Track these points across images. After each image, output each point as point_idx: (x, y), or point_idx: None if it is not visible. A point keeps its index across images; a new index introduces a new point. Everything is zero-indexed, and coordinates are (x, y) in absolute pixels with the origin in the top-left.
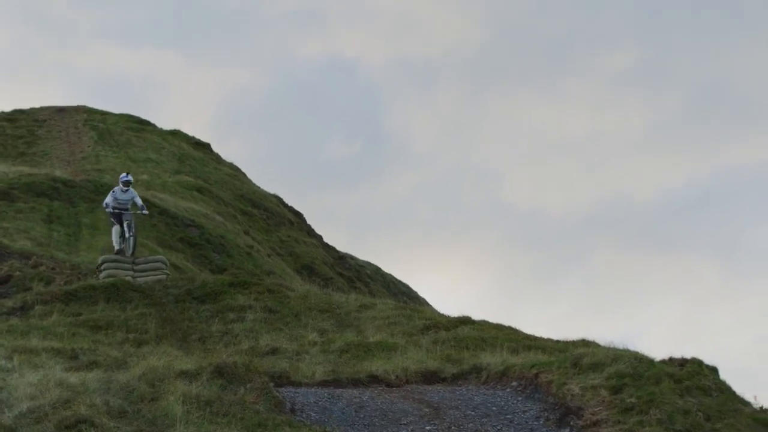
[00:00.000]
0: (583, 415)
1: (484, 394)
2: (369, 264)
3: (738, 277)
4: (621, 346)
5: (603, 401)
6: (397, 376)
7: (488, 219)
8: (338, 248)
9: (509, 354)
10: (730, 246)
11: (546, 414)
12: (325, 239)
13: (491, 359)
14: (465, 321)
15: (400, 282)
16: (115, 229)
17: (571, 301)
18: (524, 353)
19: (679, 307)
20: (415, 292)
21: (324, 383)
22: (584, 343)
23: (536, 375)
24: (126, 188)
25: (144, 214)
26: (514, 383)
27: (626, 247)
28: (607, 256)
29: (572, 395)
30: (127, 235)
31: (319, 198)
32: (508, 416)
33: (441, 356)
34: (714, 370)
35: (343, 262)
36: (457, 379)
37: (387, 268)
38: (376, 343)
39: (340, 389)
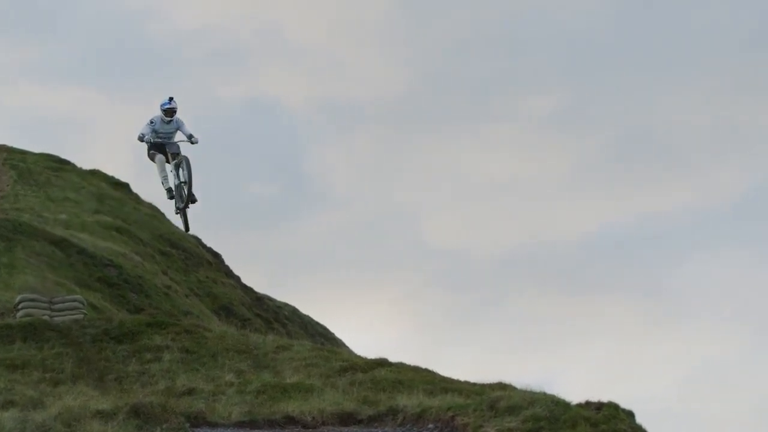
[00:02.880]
0: None
1: None
2: (287, 305)
3: (657, 321)
4: (538, 390)
5: None
6: (313, 418)
7: (408, 261)
8: (256, 289)
9: (426, 396)
10: (649, 289)
11: None
12: (243, 280)
13: (408, 401)
14: (382, 363)
15: (317, 323)
16: (160, 160)
17: (489, 343)
18: (441, 395)
19: (598, 350)
20: (333, 334)
21: (240, 424)
22: (501, 385)
23: (453, 417)
24: (169, 118)
25: (194, 143)
26: (431, 425)
27: (546, 289)
28: (526, 298)
29: None
30: (178, 179)
31: (237, 239)
32: None
33: (357, 398)
34: (630, 414)
35: (260, 303)
36: (373, 420)
37: (305, 309)
38: (293, 385)
39: (257, 430)
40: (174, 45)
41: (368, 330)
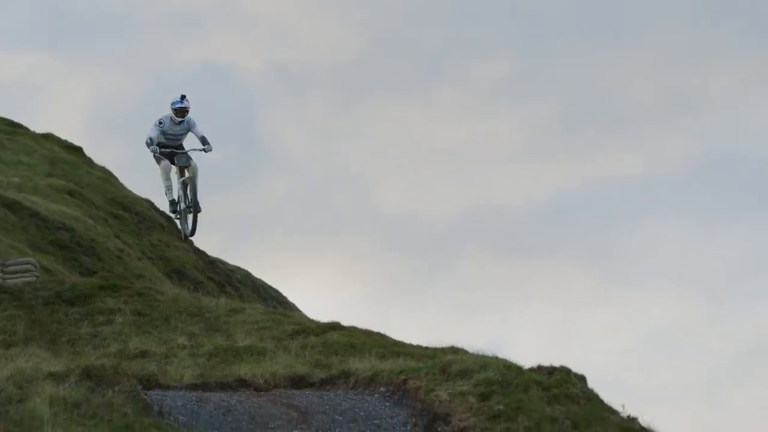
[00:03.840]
0: (450, 422)
1: (352, 400)
2: (239, 269)
3: (608, 286)
4: (490, 354)
5: (471, 408)
6: (265, 381)
7: (360, 225)
8: (209, 253)
9: (378, 360)
10: (600, 255)
11: (413, 420)
12: (196, 243)
13: (360, 365)
14: (334, 326)
15: (270, 287)
16: (165, 166)
17: (441, 307)
18: (393, 359)
19: (549, 314)
20: (285, 297)
21: (192, 387)
22: (453, 349)
23: (404, 381)
24: (180, 118)
25: (207, 152)
26: (382, 389)
27: (496, 254)
28: (477, 263)
29: (440, 402)
30: (185, 202)
31: None
32: (375, 421)
33: (310, 361)
34: (582, 379)
35: (213, 266)
36: (325, 384)
37: (257, 273)
38: (245, 348)
39: (209, 393)
40: (128, 8)
41: (321, 294)
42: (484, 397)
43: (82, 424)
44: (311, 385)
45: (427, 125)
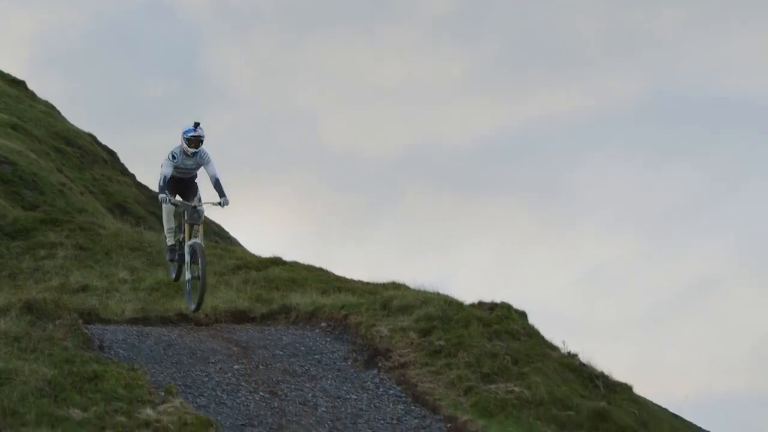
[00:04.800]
0: (391, 357)
1: (293, 334)
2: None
3: (551, 223)
4: (431, 290)
5: (411, 343)
6: (206, 315)
7: (304, 160)
8: (151, 188)
9: (319, 295)
10: (543, 192)
11: (354, 355)
12: (139, 178)
13: (301, 300)
14: (276, 261)
15: (212, 222)
16: (168, 210)
17: (384, 243)
18: (334, 294)
19: (492, 251)
20: (227, 233)
21: (133, 321)
22: (394, 285)
23: (345, 316)
24: (194, 149)
25: (223, 206)
26: (323, 324)
27: (440, 191)
28: (420, 199)
29: (381, 337)
30: (190, 272)
31: (133, 137)
32: (316, 356)
33: (251, 296)
34: (523, 315)
35: (155, 201)
36: (266, 319)
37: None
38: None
39: (149, 327)
40: None
41: (264, 229)
42: (424, 333)
43: (22, 357)
44: (252, 320)
45: (371, 60)
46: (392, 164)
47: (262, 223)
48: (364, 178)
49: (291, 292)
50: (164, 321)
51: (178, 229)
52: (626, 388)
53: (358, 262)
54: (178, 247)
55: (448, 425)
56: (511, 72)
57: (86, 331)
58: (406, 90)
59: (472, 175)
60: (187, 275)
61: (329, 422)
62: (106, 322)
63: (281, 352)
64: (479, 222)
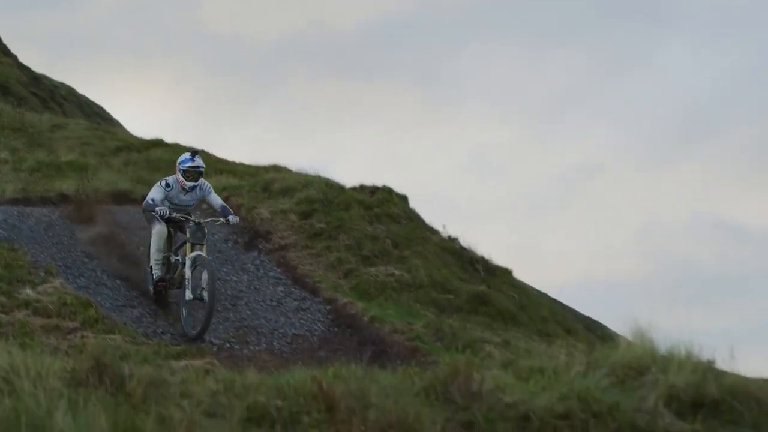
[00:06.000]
0: (271, 239)
1: None
2: (63, 85)
3: (433, 108)
4: (313, 173)
5: (292, 226)
6: (87, 196)
7: (187, 44)
8: (33, 68)
9: None
10: (426, 77)
11: (234, 237)
12: (21, 59)
13: None
14: (158, 143)
15: (94, 103)
16: (159, 232)
17: (266, 126)
18: (216, 177)
19: (374, 135)
20: (110, 114)
21: (14, 201)
22: (276, 168)
23: (226, 198)
24: (192, 183)
25: (231, 222)
26: (204, 206)
27: (324, 75)
28: (304, 83)
29: (261, 219)
30: (193, 294)
31: (15, 17)
32: None
33: (132, 177)
34: (404, 198)
35: (37, 82)
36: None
37: (82, 89)
38: (68, 163)
39: (30, 207)
40: None
41: (146, 111)
42: (305, 216)
43: None
44: (133, 200)
45: None
46: (276, 48)
47: (144, 104)
48: (247, 62)
49: (172, 174)
50: (45, 202)
51: (166, 260)
52: (506, 272)
53: (241, 144)
54: (171, 269)
55: (328, 307)
56: None
57: None
58: None
59: (356, 60)
60: (187, 295)
61: None
62: None
63: None
64: (362, 106)
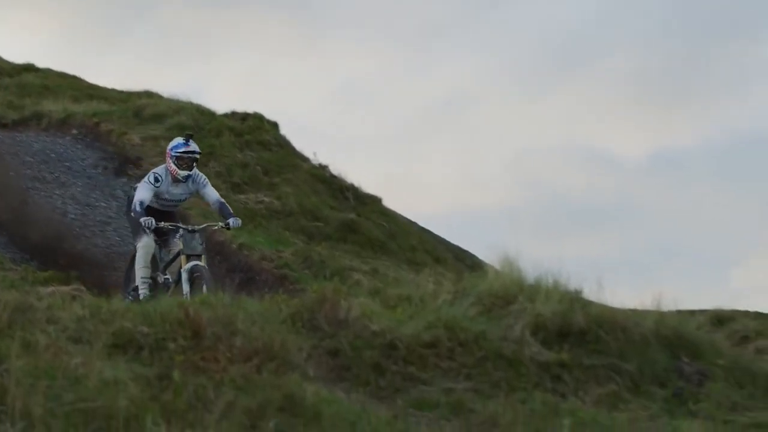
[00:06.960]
0: (141, 165)
1: (44, 141)
2: None
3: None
4: (184, 99)
5: (162, 152)
6: None
7: None
8: None
9: (71, 102)
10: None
11: (105, 162)
12: None
13: (53, 107)
14: (28, 68)
15: None
16: (146, 245)
17: (137, 52)
18: (86, 102)
19: (245, 62)
20: None
21: None
22: (147, 94)
23: (97, 124)
24: (186, 172)
25: (233, 227)
26: (75, 131)
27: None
28: (176, 8)
29: (132, 145)
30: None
31: None
32: (66, 163)
33: (2, 102)
34: (275, 125)
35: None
36: (17, 125)
37: None
38: None
39: None
40: None
41: (16, 36)
42: None
43: None
44: (4, 126)
45: None
46: None
47: (13, 28)
48: None
49: (43, 99)
50: None
51: (153, 280)
52: (376, 201)
53: (112, 70)
54: (158, 291)
55: None
56: None
57: None
58: None
59: None
60: (171, 278)
61: (77, 228)
62: None
63: (32, 159)
64: (233, 33)
